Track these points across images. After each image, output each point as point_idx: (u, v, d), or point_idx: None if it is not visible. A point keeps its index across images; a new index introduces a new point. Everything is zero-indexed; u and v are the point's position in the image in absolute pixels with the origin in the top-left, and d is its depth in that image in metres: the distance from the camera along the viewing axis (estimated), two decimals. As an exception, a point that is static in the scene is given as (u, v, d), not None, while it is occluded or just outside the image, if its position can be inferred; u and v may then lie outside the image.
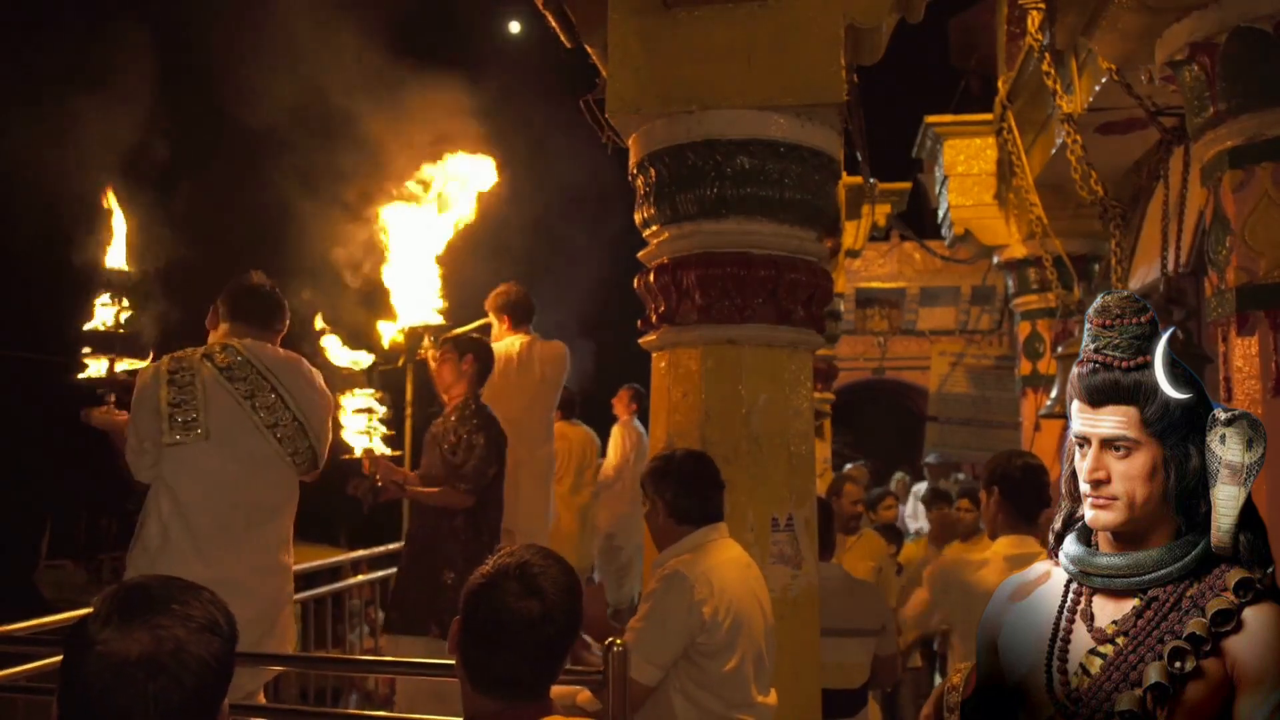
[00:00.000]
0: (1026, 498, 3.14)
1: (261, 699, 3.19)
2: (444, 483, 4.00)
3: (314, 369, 3.32)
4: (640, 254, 3.37)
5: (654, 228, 3.26)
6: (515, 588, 1.60)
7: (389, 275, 4.53)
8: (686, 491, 2.78)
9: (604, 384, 7.39)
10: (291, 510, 3.24)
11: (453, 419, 4.09)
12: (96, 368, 3.33)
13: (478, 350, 4.19)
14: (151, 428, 3.01)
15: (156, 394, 3.00)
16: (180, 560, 2.91)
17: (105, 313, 3.37)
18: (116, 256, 3.42)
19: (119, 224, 3.43)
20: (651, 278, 3.25)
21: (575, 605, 1.65)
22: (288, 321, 3.36)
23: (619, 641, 2.37)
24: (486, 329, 4.97)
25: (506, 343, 4.85)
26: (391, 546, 5.52)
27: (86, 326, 3.35)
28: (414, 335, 4.50)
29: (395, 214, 4.54)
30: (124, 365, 3.34)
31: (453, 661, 1.65)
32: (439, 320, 4.56)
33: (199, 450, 3.01)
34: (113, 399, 3.25)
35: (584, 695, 2.72)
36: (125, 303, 3.40)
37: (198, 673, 1.20)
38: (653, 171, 3.21)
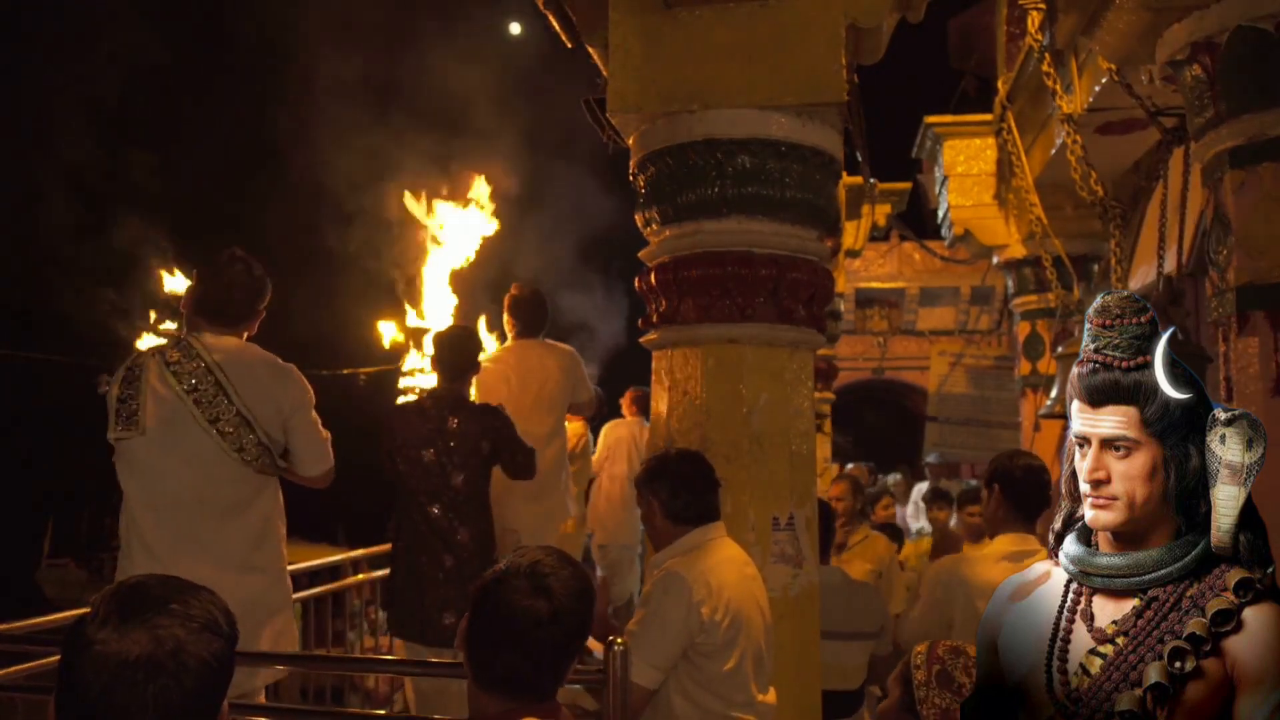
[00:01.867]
0: (1027, 497, 3.14)
1: (261, 699, 3.17)
2: None
3: (289, 365, 3.17)
4: (641, 253, 3.37)
5: (655, 226, 3.26)
6: (524, 586, 1.59)
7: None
8: (681, 491, 2.78)
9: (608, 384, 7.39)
10: (261, 508, 3.08)
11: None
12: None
13: (436, 343, 4.18)
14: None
15: (110, 391, 2.98)
16: (135, 559, 2.89)
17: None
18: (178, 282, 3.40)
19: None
20: (652, 277, 3.25)
21: (585, 609, 1.64)
22: (260, 311, 3.20)
23: (620, 640, 2.36)
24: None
25: (504, 349, 4.86)
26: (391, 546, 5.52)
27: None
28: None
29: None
30: None
31: (447, 661, 1.65)
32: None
33: (138, 446, 2.96)
34: None
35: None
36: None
37: (198, 673, 1.19)
38: (654, 171, 3.21)
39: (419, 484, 3.92)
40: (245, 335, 3.18)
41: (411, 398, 4.58)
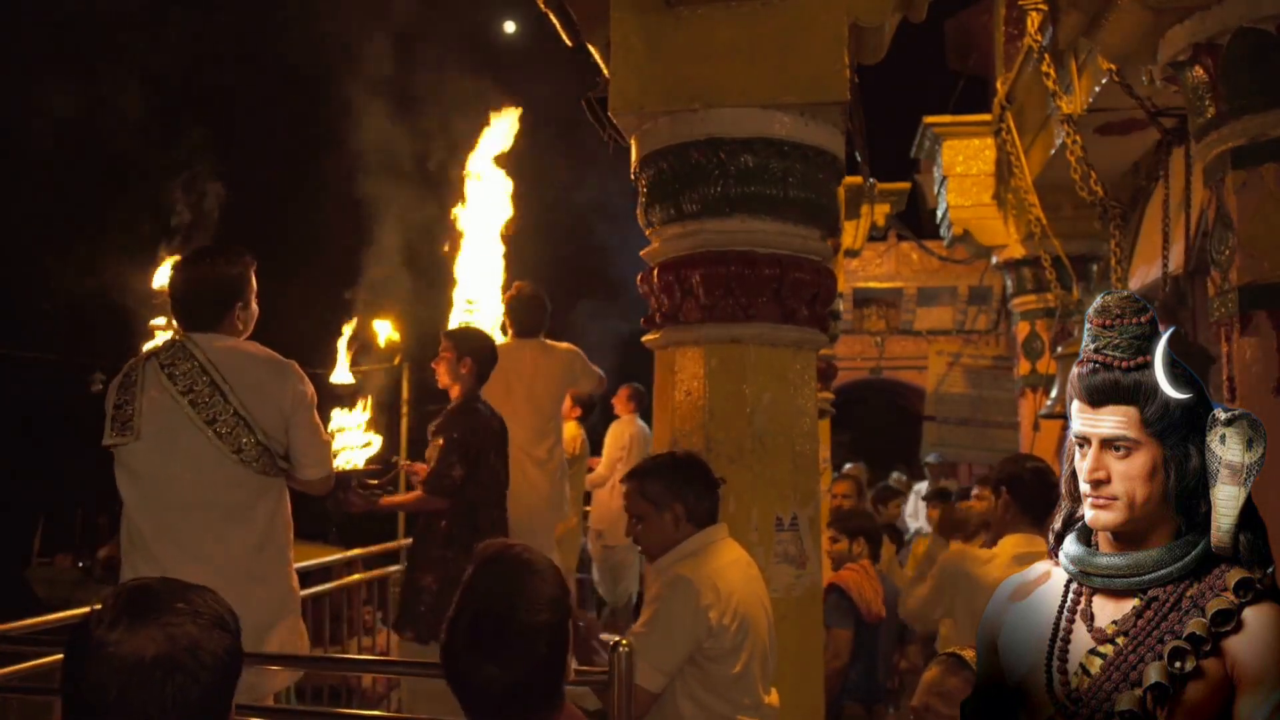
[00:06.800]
0: (1035, 500, 3.17)
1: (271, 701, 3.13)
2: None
3: (289, 362, 3.03)
4: (643, 252, 3.37)
5: (657, 226, 3.26)
6: (469, 658, 1.50)
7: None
8: (682, 496, 2.77)
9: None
10: (264, 512, 2.94)
11: (440, 420, 4.06)
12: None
13: (477, 353, 4.08)
14: None
15: (107, 397, 2.89)
16: (139, 568, 2.78)
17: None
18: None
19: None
20: (655, 276, 3.25)
21: (554, 633, 1.54)
22: (237, 309, 3.00)
23: (625, 642, 2.36)
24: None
25: (511, 347, 4.82)
26: (390, 545, 5.53)
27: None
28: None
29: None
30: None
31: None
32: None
33: (135, 452, 2.85)
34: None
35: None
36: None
37: (213, 668, 1.19)
38: (656, 170, 3.21)
39: (491, 488, 3.96)
40: (244, 334, 3.04)
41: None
